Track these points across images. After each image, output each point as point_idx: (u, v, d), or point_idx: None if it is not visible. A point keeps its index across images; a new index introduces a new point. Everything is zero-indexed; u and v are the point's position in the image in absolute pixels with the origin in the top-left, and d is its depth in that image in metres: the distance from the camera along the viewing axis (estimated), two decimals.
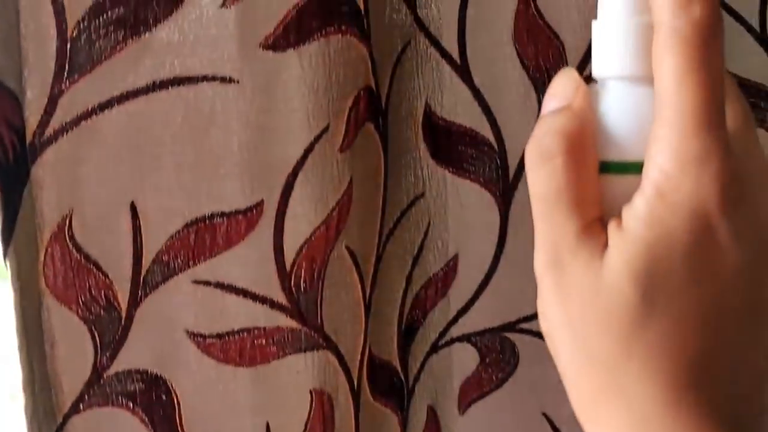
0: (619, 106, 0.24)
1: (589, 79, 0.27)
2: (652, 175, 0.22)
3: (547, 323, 0.26)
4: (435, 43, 0.47)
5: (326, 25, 0.36)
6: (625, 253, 0.22)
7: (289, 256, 0.38)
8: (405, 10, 0.45)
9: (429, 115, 0.48)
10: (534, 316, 0.50)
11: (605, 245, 0.23)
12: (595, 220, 0.24)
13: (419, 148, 0.48)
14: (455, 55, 0.47)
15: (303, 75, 0.36)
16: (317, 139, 0.37)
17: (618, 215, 0.24)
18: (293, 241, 0.38)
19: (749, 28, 0.56)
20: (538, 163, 0.25)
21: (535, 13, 0.46)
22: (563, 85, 0.26)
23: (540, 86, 0.47)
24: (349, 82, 0.38)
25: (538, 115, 0.48)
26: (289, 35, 0.35)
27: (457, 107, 0.48)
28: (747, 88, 0.57)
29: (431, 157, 0.49)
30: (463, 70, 0.47)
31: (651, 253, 0.22)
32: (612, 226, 0.23)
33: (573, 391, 0.25)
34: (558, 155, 0.24)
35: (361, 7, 0.38)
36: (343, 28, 0.37)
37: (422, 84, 0.47)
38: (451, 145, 0.49)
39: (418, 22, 0.46)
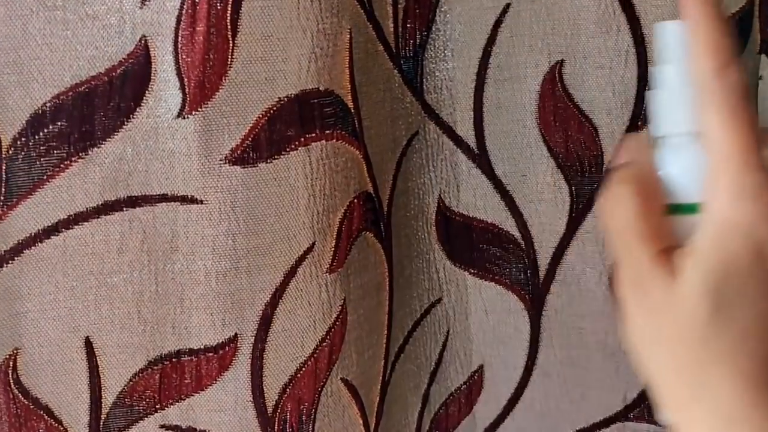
0: (677, 157, 0.29)
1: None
2: (712, 209, 0.26)
3: (634, 339, 0.28)
4: (448, 130, 0.41)
5: (305, 131, 0.31)
6: (697, 273, 0.26)
7: (271, 397, 0.32)
8: (410, 97, 0.39)
9: (443, 211, 0.42)
10: None
11: (676, 269, 0.27)
12: (664, 250, 0.27)
13: (434, 249, 0.42)
14: (472, 143, 0.42)
15: (279, 191, 0.31)
16: (300, 261, 0.32)
17: (683, 245, 0.27)
18: (275, 380, 0.32)
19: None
20: (615, 203, 0.28)
21: (563, 93, 0.40)
22: (631, 143, 0.30)
23: (571, 176, 0.41)
24: (338, 191, 0.33)
25: (570, 208, 0.42)
26: (259, 147, 0.30)
27: (477, 201, 0.43)
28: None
29: (448, 258, 0.43)
30: (481, 159, 0.42)
31: (718, 271, 0.26)
32: (681, 253, 0.27)
33: (666, 397, 0.28)
34: (631, 198, 0.28)
35: (350, 104, 0.32)
36: (327, 132, 0.32)
37: (434, 178, 0.42)
38: (470, 244, 0.43)
39: (427, 108, 0.40)
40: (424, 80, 0.41)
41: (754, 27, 0.40)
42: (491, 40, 0.41)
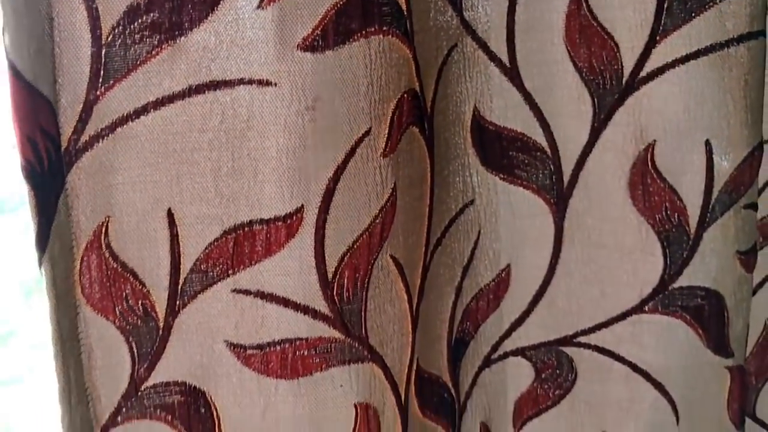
0: None
1: None
2: None
3: None
4: (483, 46, 0.45)
5: (366, 25, 0.35)
6: None
7: (332, 264, 0.37)
8: (450, 12, 0.44)
9: (478, 119, 0.46)
10: (593, 329, 0.48)
11: None
12: None
13: (468, 154, 0.47)
14: (504, 58, 0.46)
15: (342, 77, 0.35)
16: (359, 143, 0.36)
17: None
18: (335, 249, 0.37)
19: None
20: None
21: (587, 13, 0.44)
22: None
23: (594, 89, 0.45)
24: (392, 84, 0.37)
25: (592, 119, 0.46)
26: (327, 36, 0.34)
27: (508, 112, 0.47)
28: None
29: (481, 163, 0.47)
30: (513, 74, 0.46)
31: None
32: None
33: None
34: None
35: (404, 7, 0.37)
36: (385, 28, 0.36)
37: (470, 88, 0.46)
38: (501, 151, 0.47)
39: (465, 24, 0.44)
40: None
41: None
42: None
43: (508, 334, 0.50)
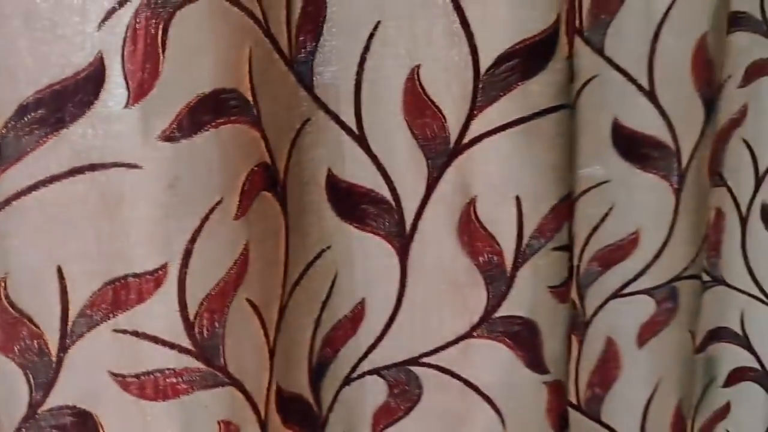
0: None
1: None
2: None
3: None
4: (335, 117, 0.54)
5: (216, 117, 0.44)
6: None
7: (192, 308, 0.45)
8: (303, 92, 0.53)
9: (332, 179, 0.55)
10: (434, 351, 0.58)
11: None
12: None
13: (324, 208, 0.56)
14: (354, 127, 0.55)
15: (197, 160, 0.44)
16: (212, 211, 0.45)
17: None
18: (195, 296, 0.45)
19: (639, 87, 0.63)
20: None
21: (420, 90, 0.54)
22: None
23: (428, 152, 0.55)
24: (242, 161, 0.46)
25: (427, 176, 0.56)
26: (182, 128, 0.43)
27: (358, 171, 0.56)
28: (641, 140, 0.64)
29: (336, 215, 0.56)
30: (361, 140, 0.55)
31: None
32: None
33: None
34: None
35: (250, 99, 0.46)
36: (233, 118, 0.45)
37: (324, 153, 0.55)
38: (354, 204, 0.56)
39: (317, 101, 0.54)
40: (314, 79, 0.54)
41: (561, 39, 0.53)
42: (366, 49, 0.54)
43: (364, 356, 0.59)
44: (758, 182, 0.83)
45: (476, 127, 0.53)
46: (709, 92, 0.67)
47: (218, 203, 0.45)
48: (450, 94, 0.54)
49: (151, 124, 0.43)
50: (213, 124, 0.44)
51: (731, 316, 0.87)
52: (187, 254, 0.45)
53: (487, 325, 0.56)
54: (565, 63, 0.54)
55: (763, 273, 0.86)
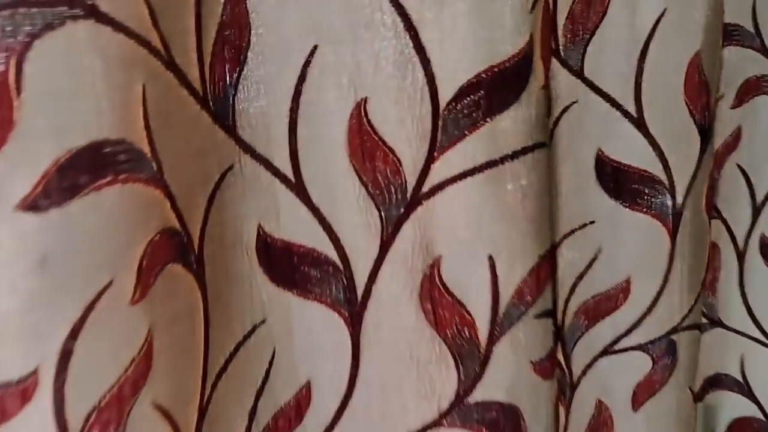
0: None
1: None
2: None
3: None
4: (265, 162, 0.44)
5: (98, 177, 0.33)
6: None
7: (76, 427, 0.35)
8: (221, 134, 0.42)
9: (264, 238, 0.45)
10: None
11: None
12: None
13: (255, 274, 0.45)
14: (289, 173, 0.44)
15: (73, 234, 0.33)
16: (98, 297, 0.34)
17: None
18: (79, 410, 0.35)
19: (625, 113, 0.54)
20: None
21: (368, 127, 0.44)
22: None
23: (380, 202, 0.44)
24: (137, 230, 0.35)
25: (381, 232, 0.45)
26: (51, 194, 0.32)
27: (296, 227, 0.45)
28: (629, 174, 0.55)
29: (271, 281, 0.46)
30: (299, 189, 0.45)
31: None
32: None
33: None
34: None
35: (146, 149, 0.35)
36: (122, 177, 0.34)
37: (252, 207, 0.44)
38: (292, 267, 0.46)
39: (241, 144, 0.43)
40: (236, 119, 0.43)
41: (534, 66, 0.43)
42: (301, 79, 0.44)
43: None
44: (756, 212, 0.73)
45: (437, 172, 0.43)
46: (705, 118, 0.58)
47: (107, 286, 0.34)
48: (404, 133, 0.43)
49: (6, 191, 0.32)
50: (93, 186, 0.33)
51: (731, 361, 0.78)
52: (66, 355, 0.34)
53: (459, 411, 0.46)
54: (540, 93, 0.44)
55: (764, 313, 0.76)
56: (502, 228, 0.44)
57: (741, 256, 0.75)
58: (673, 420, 0.63)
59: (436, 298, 0.45)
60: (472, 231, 0.44)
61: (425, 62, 0.42)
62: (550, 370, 0.47)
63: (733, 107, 0.71)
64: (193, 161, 0.40)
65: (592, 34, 0.56)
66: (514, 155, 0.43)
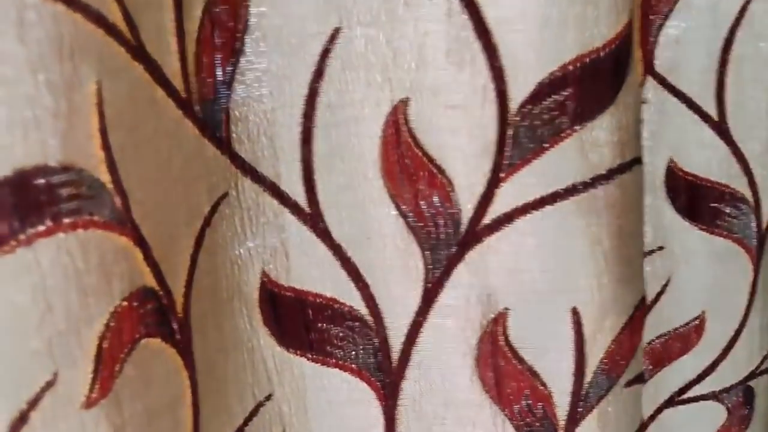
0: None
1: None
2: None
3: None
4: (270, 187, 0.32)
5: (27, 225, 0.21)
6: None
7: None
8: (212, 150, 0.30)
9: (269, 287, 0.33)
10: None
11: None
12: None
13: (258, 336, 0.33)
14: (302, 200, 0.33)
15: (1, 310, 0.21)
16: (35, 402, 0.22)
17: None
18: None
19: (704, 116, 0.43)
20: None
21: (409, 138, 0.32)
22: None
23: (424, 239, 0.33)
24: (94, 297, 0.23)
25: (425, 277, 0.34)
26: None
27: (311, 271, 0.34)
28: (706, 189, 0.44)
29: (278, 344, 0.34)
30: (315, 220, 0.33)
31: None
32: None
33: None
34: None
35: (105, 178, 0.23)
36: (67, 221, 0.22)
37: (254, 248, 0.33)
38: (306, 324, 0.34)
39: (238, 162, 0.31)
40: (231, 127, 0.31)
41: (633, 55, 0.32)
42: (318, 74, 0.32)
43: None
44: None
45: (504, 199, 0.32)
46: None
47: (48, 385, 0.22)
48: (459, 146, 0.32)
49: None
50: (20, 239, 0.21)
51: None
52: None
53: None
54: (638, 92, 0.32)
55: None
56: (592, 272, 0.32)
57: None
58: None
59: (500, 364, 0.33)
60: (551, 276, 0.32)
61: (490, 50, 0.31)
62: None
63: None
64: (173, 190, 0.28)
65: (665, 19, 0.45)
66: (608, 175, 0.32)
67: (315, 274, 0.34)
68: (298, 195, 0.33)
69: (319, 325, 0.34)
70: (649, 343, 0.50)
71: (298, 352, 0.34)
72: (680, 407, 0.51)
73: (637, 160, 0.33)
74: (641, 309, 0.34)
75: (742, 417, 0.52)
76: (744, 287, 0.49)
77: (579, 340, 0.33)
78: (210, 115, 0.30)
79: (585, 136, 0.31)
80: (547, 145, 0.31)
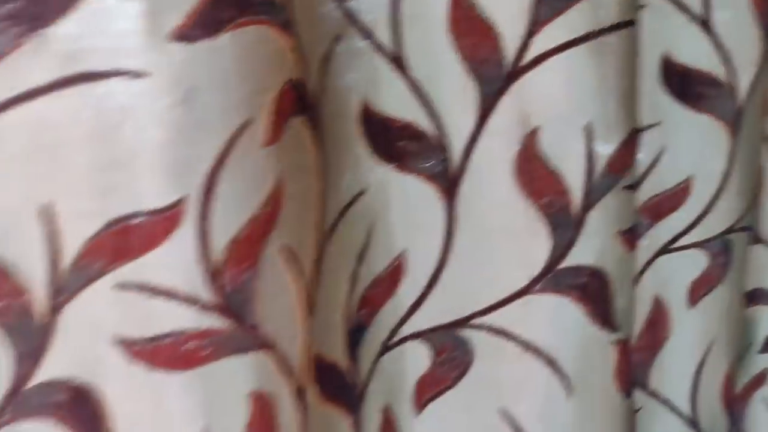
0: None
1: None
2: None
3: None
4: (368, 36, 0.44)
5: (239, 15, 0.33)
6: None
7: (217, 255, 0.35)
8: (331, 2, 0.42)
9: (365, 110, 0.44)
10: (486, 311, 0.47)
11: None
12: None
13: (357, 145, 0.45)
14: (390, 48, 0.44)
15: (214, 69, 0.33)
16: (237, 135, 0.34)
17: None
18: (219, 240, 0.35)
19: (693, 16, 0.53)
20: None
21: (470, 3, 0.43)
22: None
23: (478, 78, 0.44)
24: (271, 74, 0.35)
25: (479, 107, 0.45)
26: (199, 26, 0.32)
27: (395, 102, 0.45)
28: (693, 77, 0.54)
29: (371, 154, 0.45)
30: (399, 63, 0.44)
31: None
32: None
33: None
34: None
35: None
36: (260, 18, 0.34)
37: (357, 79, 0.44)
38: (391, 141, 0.45)
39: (348, 14, 0.43)
40: None
41: None
42: None
43: (405, 319, 0.48)
44: None
45: (538, 45, 0.43)
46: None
47: (245, 125, 0.34)
48: (504, 8, 0.43)
49: (159, 20, 0.32)
50: (235, 23, 0.33)
51: None
52: (209, 187, 0.34)
53: (550, 278, 0.46)
54: None
55: None
56: (600, 101, 0.43)
57: None
58: (726, 317, 0.63)
59: (533, 169, 0.45)
60: (571, 103, 0.43)
61: None
62: (634, 242, 0.47)
63: None
64: (312, 23, 0.40)
65: None
66: (611, 28, 0.43)
67: (398, 104, 0.45)
68: (388, 43, 0.45)
69: (400, 142, 0.46)
70: (647, 201, 0.61)
71: (385, 161, 0.46)
72: (672, 254, 0.62)
73: (632, 22, 0.44)
74: (635, 134, 0.46)
75: (722, 264, 0.63)
76: (723, 156, 0.60)
77: (589, 151, 0.45)
78: None
79: (595, 0, 0.43)
80: (568, 4, 0.43)
